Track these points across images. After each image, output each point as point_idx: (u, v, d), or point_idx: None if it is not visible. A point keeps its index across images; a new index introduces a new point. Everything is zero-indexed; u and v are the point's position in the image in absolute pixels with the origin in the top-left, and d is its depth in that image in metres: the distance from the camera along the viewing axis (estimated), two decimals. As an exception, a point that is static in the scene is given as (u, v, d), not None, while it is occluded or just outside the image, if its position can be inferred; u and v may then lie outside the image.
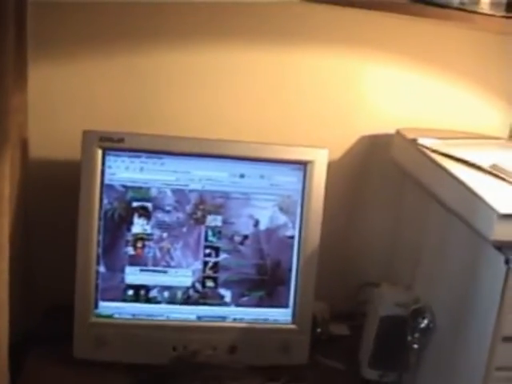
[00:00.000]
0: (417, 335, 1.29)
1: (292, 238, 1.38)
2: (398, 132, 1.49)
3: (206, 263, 1.37)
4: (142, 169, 1.33)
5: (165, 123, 1.48)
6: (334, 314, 1.56)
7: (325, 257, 1.39)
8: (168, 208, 1.34)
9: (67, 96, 1.45)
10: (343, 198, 1.58)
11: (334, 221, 1.46)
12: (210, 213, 1.35)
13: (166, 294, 1.37)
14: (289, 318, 1.40)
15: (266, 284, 1.39)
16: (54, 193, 1.45)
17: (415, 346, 1.30)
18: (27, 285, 1.42)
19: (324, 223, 1.38)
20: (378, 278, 1.49)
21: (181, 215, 1.35)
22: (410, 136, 1.43)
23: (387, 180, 1.58)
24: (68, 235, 1.32)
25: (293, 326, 1.40)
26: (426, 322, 1.29)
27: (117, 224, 1.34)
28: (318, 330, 1.49)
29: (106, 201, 1.32)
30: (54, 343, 1.38)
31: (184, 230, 1.35)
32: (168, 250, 1.35)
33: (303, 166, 1.36)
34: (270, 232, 1.38)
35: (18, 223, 1.32)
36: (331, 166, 1.38)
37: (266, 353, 1.38)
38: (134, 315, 1.36)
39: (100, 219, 1.32)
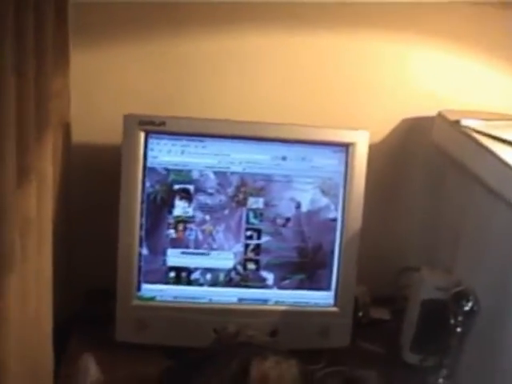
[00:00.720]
0: (460, 318, 1.28)
1: (334, 220, 1.37)
2: (439, 114, 1.47)
3: (247, 246, 1.37)
4: (183, 152, 1.33)
5: (202, 107, 1.48)
6: (374, 298, 1.55)
7: (365, 240, 1.39)
8: (210, 191, 1.34)
9: (107, 81, 1.46)
10: (383, 181, 1.57)
11: (373, 204, 1.45)
12: (251, 195, 1.35)
13: (208, 276, 1.37)
14: (331, 301, 1.40)
15: (307, 267, 1.39)
16: (94, 177, 1.46)
17: (458, 329, 1.29)
18: (69, 268, 1.43)
19: (364, 206, 1.37)
20: (418, 261, 1.48)
21: (223, 198, 1.35)
22: (452, 118, 1.42)
23: (428, 162, 1.56)
24: (109, 219, 1.32)
25: (335, 309, 1.39)
26: (470, 304, 1.27)
27: (159, 207, 1.34)
28: (360, 313, 1.49)
29: (148, 184, 1.33)
30: (96, 326, 1.38)
31: (226, 212, 1.35)
32: (210, 233, 1.35)
33: (345, 148, 1.36)
34: (311, 214, 1.37)
35: (61, 207, 1.33)
36: (372, 149, 1.37)
37: (307, 336, 1.38)
38: (175, 297, 1.37)
39: (142, 202, 1.33)
